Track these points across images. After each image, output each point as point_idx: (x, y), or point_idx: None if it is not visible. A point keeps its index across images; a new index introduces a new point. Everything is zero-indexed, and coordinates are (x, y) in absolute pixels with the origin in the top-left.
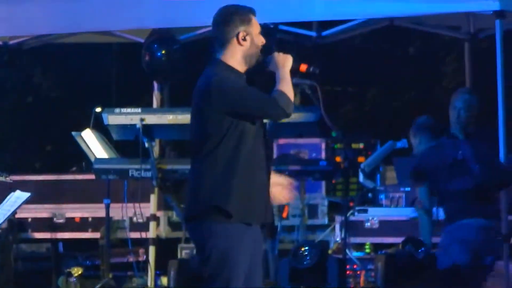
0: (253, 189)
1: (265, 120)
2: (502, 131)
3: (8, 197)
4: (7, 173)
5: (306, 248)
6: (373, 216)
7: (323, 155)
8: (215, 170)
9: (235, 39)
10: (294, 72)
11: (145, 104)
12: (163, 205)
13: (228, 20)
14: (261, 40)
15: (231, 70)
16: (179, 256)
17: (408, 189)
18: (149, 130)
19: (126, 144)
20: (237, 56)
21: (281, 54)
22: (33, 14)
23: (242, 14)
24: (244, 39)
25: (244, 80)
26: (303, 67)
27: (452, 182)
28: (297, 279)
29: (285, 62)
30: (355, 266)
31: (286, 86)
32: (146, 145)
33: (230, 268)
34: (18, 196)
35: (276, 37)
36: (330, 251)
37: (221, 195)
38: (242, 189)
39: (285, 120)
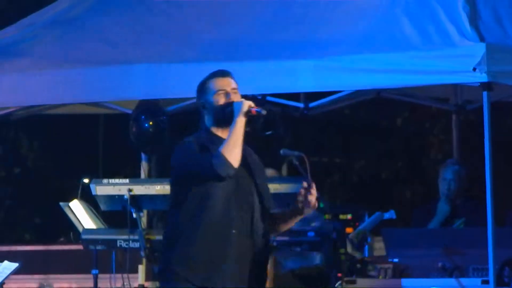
0: (210, 254)
1: None
2: (490, 203)
3: None
4: None
5: None
6: (362, 287)
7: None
8: (174, 230)
9: (201, 109)
10: (248, 116)
11: (133, 175)
12: (151, 275)
13: (196, 94)
14: (219, 100)
15: (204, 132)
16: None
17: (396, 260)
18: (137, 201)
19: (113, 214)
20: (209, 120)
21: (240, 100)
22: (19, 85)
23: (200, 86)
24: (203, 107)
25: (215, 143)
26: (253, 111)
27: None
28: None
29: (241, 107)
30: None
31: (228, 144)
32: (134, 215)
33: None
34: (6, 267)
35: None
36: None
37: (177, 257)
38: (199, 254)
39: (273, 191)
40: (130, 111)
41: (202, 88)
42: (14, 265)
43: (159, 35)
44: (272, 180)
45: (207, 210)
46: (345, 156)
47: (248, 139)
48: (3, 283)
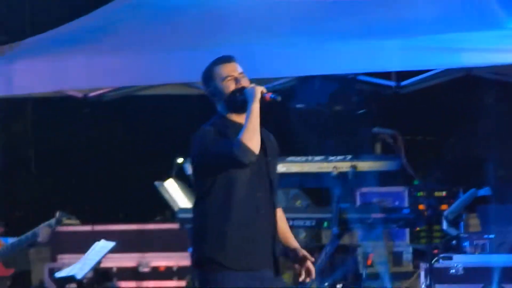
0: (245, 237)
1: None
2: None
3: (92, 246)
4: (75, 217)
5: None
6: (458, 263)
7: (406, 203)
8: (205, 220)
9: (211, 96)
10: (261, 102)
11: None
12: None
13: (202, 82)
14: (229, 86)
15: (219, 119)
16: None
17: (491, 236)
18: None
19: None
20: (222, 107)
21: (252, 85)
22: (113, 67)
23: (205, 74)
24: (213, 94)
25: (231, 128)
26: (267, 96)
27: None
28: None
29: (254, 94)
30: None
31: (247, 131)
32: None
33: None
34: (103, 246)
35: (356, 87)
36: None
37: (213, 245)
38: (233, 238)
39: (367, 169)
40: None
41: (209, 75)
42: (111, 244)
43: (244, 20)
44: (366, 157)
45: (234, 195)
46: (438, 134)
47: (341, 118)
48: (100, 262)
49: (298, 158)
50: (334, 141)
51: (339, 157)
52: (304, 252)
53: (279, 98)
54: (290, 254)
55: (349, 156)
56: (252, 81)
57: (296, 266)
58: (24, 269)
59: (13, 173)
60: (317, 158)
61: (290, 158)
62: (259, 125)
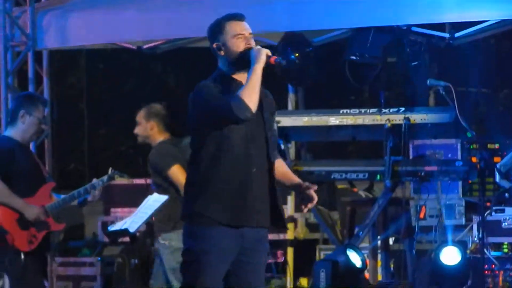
0: (233, 192)
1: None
2: None
3: (145, 200)
4: (127, 174)
5: (446, 248)
6: (511, 216)
7: (458, 155)
8: (196, 174)
9: (217, 51)
10: (267, 65)
11: (279, 107)
12: (300, 206)
13: (208, 35)
14: (239, 44)
15: (220, 76)
16: (317, 257)
17: None
18: (285, 132)
19: None
20: (225, 64)
21: (258, 47)
22: (166, 18)
23: (214, 27)
24: (220, 49)
25: (232, 86)
26: (272, 60)
27: None
28: (437, 279)
29: (259, 56)
30: (493, 266)
31: (247, 88)
32: (282, 147)
33: (202, 270)
34: (156, 199)
35: (409, 38)
36: (468, 251)
37: (200, 200)
38: (221, 193)
39: (420, 121)
40: (275, 43)
41: (218, 29)
42: (164, 197)
43: None
44: (419, 110)
45: (227, 151)
46: (492, 86)
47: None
48: (153, 215)
49: (352, 111)
50: (388, 94)
51: (392, 110)
52: (306, 183)
53: (284, 62)
54: (295, 190)
55: (403, 109)
56: (307, 33)
57: (301, 196)
58: (77, 223)
59: (66, 126)
60: (371, 110)
61: (343, 111)
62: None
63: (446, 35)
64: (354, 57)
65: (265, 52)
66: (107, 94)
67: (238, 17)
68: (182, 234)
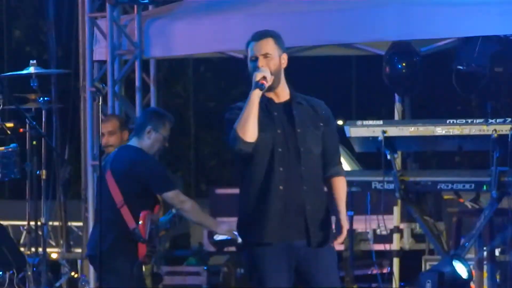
0: (258, 211)
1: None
2: None
3: None
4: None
5: None
6: None
7: None
8: (239, 194)
9: None
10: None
11: (387, 116)
12: (406, 217)
13: None
14: (250, 66)
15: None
16: (423, 268)
17: None
18: (391, 142)
19: (368, 156)
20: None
21: (256, 72)
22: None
23: (246, 46)
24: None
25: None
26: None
27: None
28: None
29: (253, 79)
30: None
31: (240, 120)
32: (389, 157)
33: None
34: None
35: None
36: None
37: (240, 223)
38: (249, 214)
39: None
40: (382, 53)
41: (246, 49)
42: None
43: None
44: None
45: (251, 168)
46: None
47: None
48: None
49: (458, 121)
50: (495, 104)
51: (499, 120)
52: (343, 217)
53: (263, 89)
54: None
55: (509, 119)
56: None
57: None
58: (183, 232)
59: (173, 134)
60: (477, 120)
61: (450, 121)
62: (257, 113)
63: None
64: (461, 67)
65: (261, 75)
66: (214, 102)
67: (256, 36)
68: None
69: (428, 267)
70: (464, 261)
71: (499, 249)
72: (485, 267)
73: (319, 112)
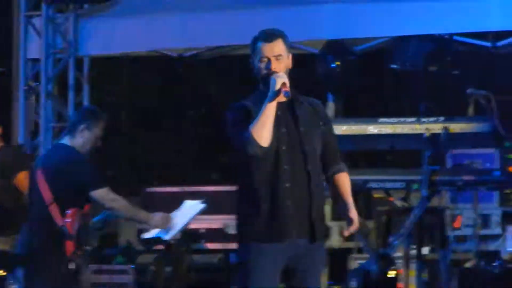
0: (266, 209)
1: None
2: None
3: (180, 207)
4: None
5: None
6: None
7: (496, 165)
8: (238, 193)
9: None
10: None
11: None
12: (335, 215)
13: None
14: (262, 68)
15: (259, 93)
16: (351, 266)
17: None
18: None
19: None
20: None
21: (277, 75)
22: (208, 26)
23: (250, 46)
24: (253, 69)
25: (261, 103)
26: (282, 92)
27: None
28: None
29: (275, 85)
30: None
31: (257, 124)
32: None
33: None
34: (192, 207)
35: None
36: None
37: (241, 219)
38: (255, 211)
39: (459, 131)
40: (316, 51)
41: (251, 49)
42: (201, 205)
43: None
44: (459, 119)
45: (258, 167)
46: None
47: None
48: (189, 223)
49: (391, 119)
50: (428, 102)
51: (431, 119)
52: (353, 211)
53: (289, 96)
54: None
55: (442, 118)
56: (347, 41)
57: (346, 219)
58: (112, 230)
59: (106, 133)
60: (410, 119)
61: (382, 119)
62: (273, 119)
63: (488, 44)
64: (395, 66)
65: (281, 81)
66: (148, 101)
67: (266, 37)
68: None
69: (356, 266)
70: (391, 259)
71: (428, 248)
72: (413, 266)
73: (319, 111)
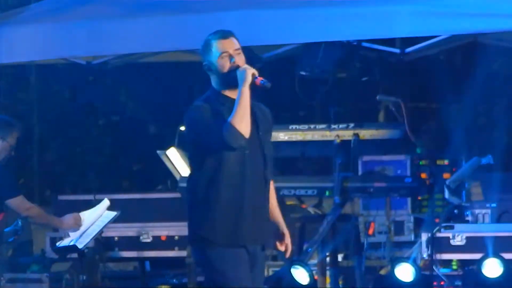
0: (232, 213)
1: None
2: None
3: (91, 215)
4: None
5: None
6: (460, 232)
7: (408, 171)
8: (197, 197)
9: (207, 70)
10: (252, 86)
11: None
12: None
13: (200, 54)
14: (225, 63)
15: (213, 94)
16: (266, 273)
17: (494, 205)
18: None
19: None
20: (216, 82)
21: (244, 67)
22: (116, 33)
23: (203, 47)
24: (209, 68)
25: (224, 104)
26: (258, 81)
27: None
28: None
29: (245, 76)
30: (442, 283)
31: (237, 114)
32: None
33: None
34: (106, 215)
35: (360, 54)
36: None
37: (202, 222)
38: (219, 216)
39: (370, 137)
40: None
41: (206, 48)
42: (113, 213)
43: None
44: (369, 125)
45: (224, 172)
46: (442, 102)
47: (345, 86)
48: (102, 231)
49: (301, 126)
50: (338, 109)
51: (341, 125)
52: (285, 230)
53: (269, 85)
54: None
55: (352, 124)
56: (250, 48)
57: (276, 240)
58: (26, 239)
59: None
60: (320, 126)
61: (292, 126)
62: (250, 102)
63: (397, 50)
64: (304, 72)
65: (251, 72)
66: (57, 109)
67: (223, 34)
68: (194, 258)
69: (270, 273)
70: (306, 266)
71: (342, 255)
72: (328, 273)
73: (268, 118)
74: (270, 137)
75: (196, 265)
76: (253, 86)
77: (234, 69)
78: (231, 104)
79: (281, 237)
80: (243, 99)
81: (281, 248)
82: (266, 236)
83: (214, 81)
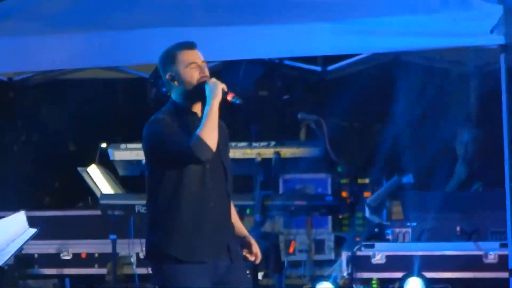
0: (195, 228)
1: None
2: (507, 165)
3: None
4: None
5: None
6: (380, 251)
7: (329, 190)
8: (156, 211)
9: (170, 82)
10: (223, 101)
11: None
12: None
13: (159, 66)
14: (193, 75)
15: (174, 108)
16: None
17: (414, 224)
18: None
19: (131, 179)
20: (180, 95)
21: (213, 81)
22: (37, 50)
23: (165, 57)
24: (173, 80)
25: (188, 117)
26: (229, 97)
27: None
28: None
29: (215, 91)
30: None
31: (206, 128)
32: None
33: None
34: (27, 232)
35: (281, 72)
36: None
37: (163, 238)
38: (179, 230)
39: (291, 156)
40: (147, 75)
41: (170, 59)
42: (33, 230)
43: (167, 2)
44: (290, 144)
45: (184, 188)
46: (363, 120)
47: (266, 103)
48: (22, 248)
49: None
50: (259, 127)
51: (262, 143)
52: (251, 239)
53: (240, 102)
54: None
55: (273, 142)
56: None
57: (244, 251)
58: None
59: None
60: (241, 144)
61: None
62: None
63: (318, 68)
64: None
65: (221, 87)
66: None
67: (190, 45)
68: (152, 272)
69: None
70: None
71: (262, 273)
72: None
73: (225, 132)
74: (229, 152)
75: (153, 281)
76: (222, 102)
77: (203, 81)
78: (193, 117)
79: (250, 248)
80: (212, 111)
81: (252, 258)
82: (232, 249)
83: (177, 93)
